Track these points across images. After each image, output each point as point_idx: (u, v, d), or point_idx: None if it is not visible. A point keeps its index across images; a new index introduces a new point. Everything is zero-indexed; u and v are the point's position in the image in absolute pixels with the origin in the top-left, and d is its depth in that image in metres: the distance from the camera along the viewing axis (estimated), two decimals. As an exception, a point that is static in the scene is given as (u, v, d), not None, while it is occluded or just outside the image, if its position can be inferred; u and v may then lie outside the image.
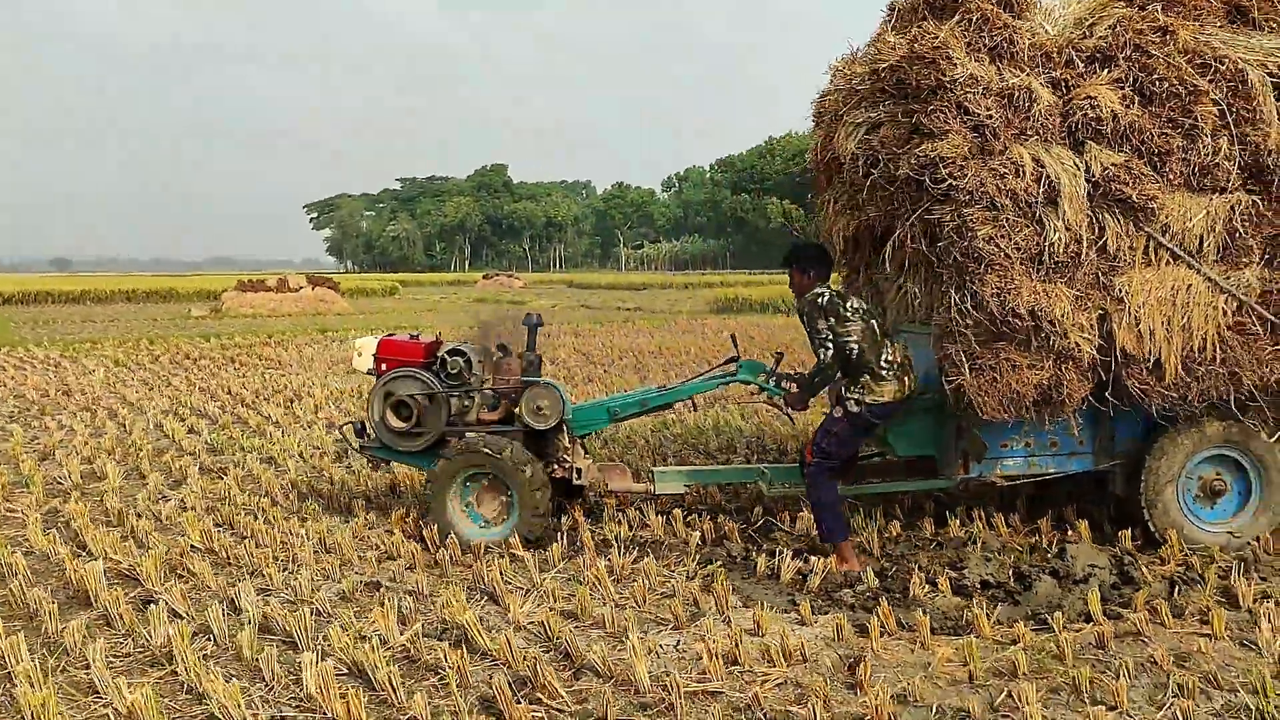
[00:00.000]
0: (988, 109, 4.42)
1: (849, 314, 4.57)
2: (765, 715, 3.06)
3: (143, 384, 10.71)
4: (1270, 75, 4.51)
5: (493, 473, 4.91)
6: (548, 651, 3.52)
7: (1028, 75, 4.58)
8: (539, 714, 3.08)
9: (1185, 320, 4.44)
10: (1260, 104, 4.50)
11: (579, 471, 5.12)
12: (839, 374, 4.58)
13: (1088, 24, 4.81)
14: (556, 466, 5.10)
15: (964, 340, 4.41)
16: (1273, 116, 4.51)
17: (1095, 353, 4.44)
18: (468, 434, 5.02)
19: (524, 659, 3.41)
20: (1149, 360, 4.45)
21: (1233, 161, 4.52)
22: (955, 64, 4.47)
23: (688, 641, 3.69)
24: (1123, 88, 4.56)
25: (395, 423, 5.14)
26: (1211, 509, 4.77)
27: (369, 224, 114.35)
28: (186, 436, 7.47)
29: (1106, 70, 4.62)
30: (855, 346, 4.51)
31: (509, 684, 3.13)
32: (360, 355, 5.38)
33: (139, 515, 5.29)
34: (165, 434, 7.69)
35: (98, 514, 5.40)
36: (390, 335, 5.47)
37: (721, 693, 3.24)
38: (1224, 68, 4.54)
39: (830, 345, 4.51)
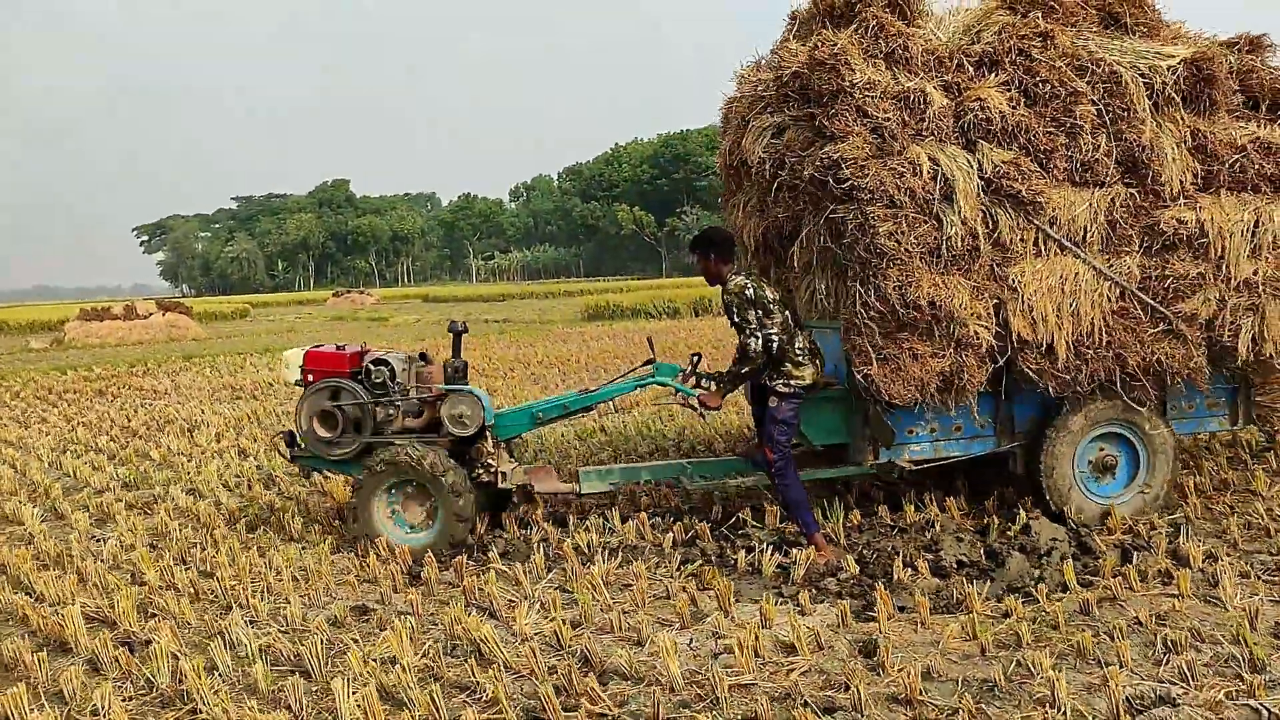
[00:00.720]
0: (885, 112, 4.66)
1: (772, 305, 4.73)
2: (807, 702, 3.15)
3: (14, 422, 10.10)
4: (1141, 76, 4.86)
5: (416, 480, 5.00)
6: (563, 660, 3.53)
7: (922, 79, 4.85)
8: (586, 721, 3.11)
9: (1074, 307, 4.74)
10: (1133, 103, 4.86)
11: (504, 475, 5.19)
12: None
13: (975, 30, 5.11)
14: (481, 471, 5.16)
15: (869, 332, 4.63)
16: (1145, 115, 4.84)
17: (993, 340, 4.68)
18: (394, 443, 5.08)
19: (549, 670, 3.42)
20: (1042, 345, 4.73)
21: (1111, 157, 4.86)
22: (854, 69, 4.70)
23: (700, 639, 3.77)
24: (1009, 90, 4.86)
25: (323, 432, 5.19)
26: (1102, 484, 5.07)
27: (205, 245, 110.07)
28: (93, 474, 7.08)
29: (994, 74, 4.92)
30: (778, 336, 4.69)
31: (554, 692, 3.15)
32: (288, 367, 5.43)
33: (83, 557, 5.00)
34: (67, 473, 7.31)
35: (38, 558, 5.10)
36: (317, 347, 5.47)
37: (755, 684, 3.31)
38: (1100, 70, 4.90)
39: (759, 336, 4.66)
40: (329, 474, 5.75)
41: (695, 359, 5.25)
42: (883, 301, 4.56)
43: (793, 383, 4.72)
